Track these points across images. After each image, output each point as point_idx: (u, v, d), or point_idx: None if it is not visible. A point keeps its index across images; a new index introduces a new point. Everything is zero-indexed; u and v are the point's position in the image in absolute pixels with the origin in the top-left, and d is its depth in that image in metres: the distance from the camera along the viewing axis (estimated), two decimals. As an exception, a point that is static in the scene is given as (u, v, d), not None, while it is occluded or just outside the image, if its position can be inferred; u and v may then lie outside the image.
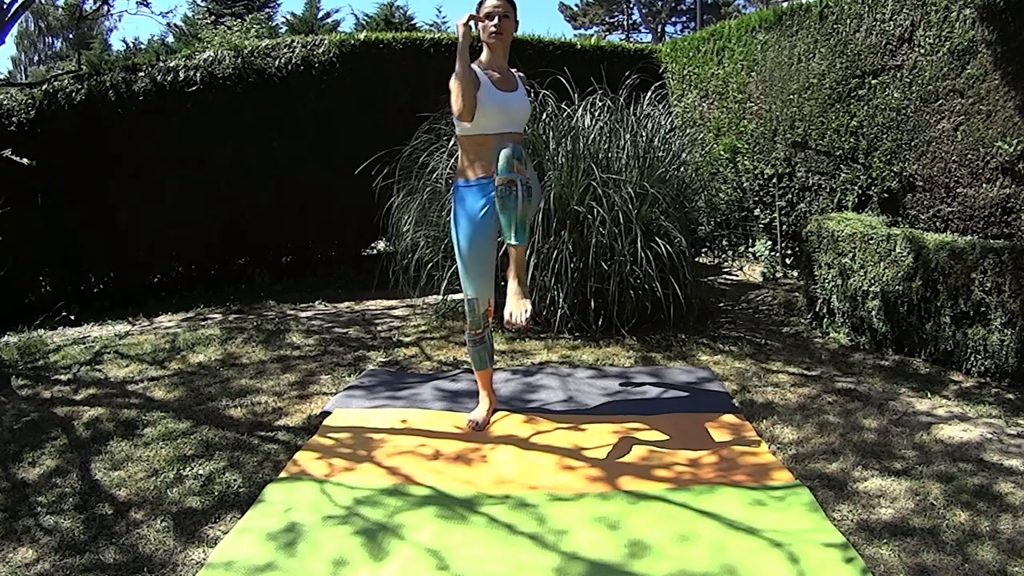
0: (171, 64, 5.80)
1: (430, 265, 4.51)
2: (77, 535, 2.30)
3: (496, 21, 2.77)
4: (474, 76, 2.73)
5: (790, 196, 5.66)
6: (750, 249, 6.24)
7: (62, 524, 2.35)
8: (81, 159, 5.61)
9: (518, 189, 2.67)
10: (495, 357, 3.19)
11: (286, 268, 6.33)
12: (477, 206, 2.82)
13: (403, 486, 2.55)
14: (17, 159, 4.49)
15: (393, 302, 5.22)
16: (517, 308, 2.77)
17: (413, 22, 17.55)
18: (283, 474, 2.64)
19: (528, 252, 3.81)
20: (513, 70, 2.94)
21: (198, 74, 5.75)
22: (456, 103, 2.69)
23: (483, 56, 2.86)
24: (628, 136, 4.43)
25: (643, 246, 4.03)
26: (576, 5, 32.43)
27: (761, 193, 5.94)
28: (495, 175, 2.67)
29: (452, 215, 2.95)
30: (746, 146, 6.00)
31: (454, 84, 2.70)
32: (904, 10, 4.56)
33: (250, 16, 13.39)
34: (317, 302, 5.40)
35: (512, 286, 2.83)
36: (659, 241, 4.14)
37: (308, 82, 5.91)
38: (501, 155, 2.64)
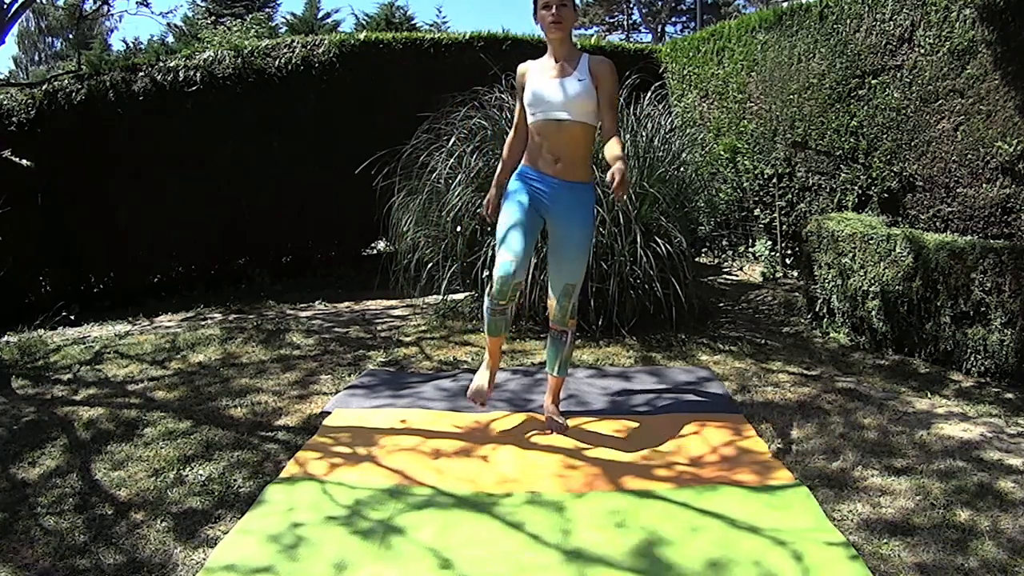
0: (171, 64, 5.81)
1: (430, 265, 4.51)
2: (77, 535, 2.29)
3: (554, 10, 2.72)
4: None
5: (790, 196, 5.66)
6: (750, 249, 6.24)
7: (62, 524, 2.35)
8: (81, 159, 5.61)
9: (568, 337, 2.96)
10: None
11: (286, 268, 6.33)
12: (514, 187, 2.89)
13: (404, 486, 2.55)
14: (17, 160, 4.49)
15: (393, 302, 5.22)
16: (556, 425, 3.01)
17: (413, 22, 17.59)
18: (284, 474, 2.64)
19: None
20: (588, 56, 2.80)
21: (198, 74, 5.76)
22: None
23: (549, 48, 2.84)
24: (628, 136, 4.43)
25: (643, 246, 4.03)
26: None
27: (761, 193, 5.94)
28: (551, 318, 2.91)
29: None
30: (746, 146, 6.00)
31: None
32: (904, 10, 4.55)
33: (250, 16, 13.38)
34: (317, 302, 5.40)
35: (548, 404, 3.09)
36: (659, 241, 4.14)
37: (308, 82, 5.91)
38: (559, 302, 2.87)
